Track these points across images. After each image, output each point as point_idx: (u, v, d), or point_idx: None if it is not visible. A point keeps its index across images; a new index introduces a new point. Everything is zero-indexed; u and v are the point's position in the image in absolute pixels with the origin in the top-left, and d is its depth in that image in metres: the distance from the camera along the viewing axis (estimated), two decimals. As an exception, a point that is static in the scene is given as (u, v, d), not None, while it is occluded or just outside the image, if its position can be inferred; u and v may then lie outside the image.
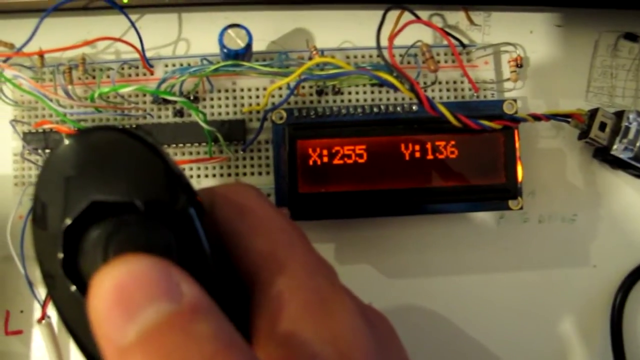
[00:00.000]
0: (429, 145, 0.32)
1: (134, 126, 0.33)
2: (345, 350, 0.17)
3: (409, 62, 0.35)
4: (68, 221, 0.16)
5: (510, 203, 0.32)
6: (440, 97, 0.35)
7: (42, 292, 0.32)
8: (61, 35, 0.33)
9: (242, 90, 0.34)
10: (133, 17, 0.33)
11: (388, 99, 0.34)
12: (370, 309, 0.21)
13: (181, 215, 0.17)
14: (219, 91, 0.34)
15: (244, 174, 0.34)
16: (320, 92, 0.34)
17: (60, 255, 0.16)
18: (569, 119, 0.34)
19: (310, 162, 0.31)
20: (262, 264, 0.18)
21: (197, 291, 0.15)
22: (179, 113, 0.33)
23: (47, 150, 0.32)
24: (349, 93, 0.34)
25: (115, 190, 0.16)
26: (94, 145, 0.17)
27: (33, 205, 0.17)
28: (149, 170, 0.17)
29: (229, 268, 0.19)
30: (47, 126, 0.32)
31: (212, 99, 0.34)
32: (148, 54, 0.33)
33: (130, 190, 0.16)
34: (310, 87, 0.34)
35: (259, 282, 0.18)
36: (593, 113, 0.33)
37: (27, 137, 0.33)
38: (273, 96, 0.34)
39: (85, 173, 0.17)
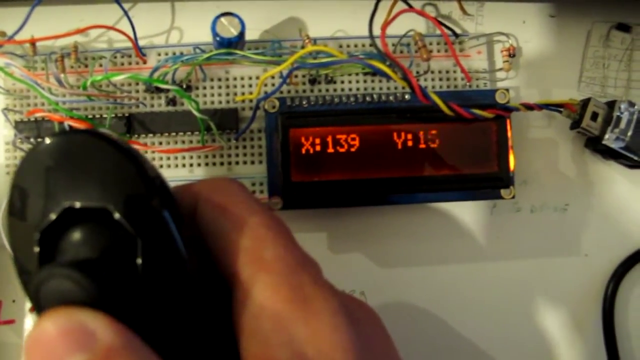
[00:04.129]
0: (421, 134, 0.32)
1: (126, 115, 0.33)
2: (325, 349, 0.17)
3: (401, 52, 0.35)
4: (45, 224, 0.16)
5: (503, 192, 0.32)
6: (433, 87, 0.35)
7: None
8: (53, 23, 0.33)
9: (234, 78, 0.34)
10: (126, 5, 0.33)
11: (381, 88, 0.34)
12: (356, 302, 0.21)
13: (155, 219, 0.17)
14: (212, 80, 0.34)
15: (237, 163, 0.34)
16: (313, 81, 0.34)
17: (37, 249, 0.16)
18: (561, 109, 0.34)
19: (303, 151, 0.31)
20: (244, 262, 0.18)
21: (111, 334, 0.15)
22: (172, 102, 0.33)
23: (39, 139, 0.32)
24: (342, 82, 0.34)
25: (88, 196, 0.16)
26: (68, 147, 0.17)
27: (10, 197, 0.17)
28: (122, 174, 0.17)
29: (210, 269, 0.19)
30: (39, 114, 0.31)
31: (204, 88, 0.34)
32: (141, 43, 0.33)
33: (103, 195, 0.16)
34: (303, 75, 0.34)
35: (241, 281, 0.18)
36: (585, 103, 0.33)
37: (19, 126, 0.32)
38: (266, 85, 0.34)
39: (61, 176, 0.17)
